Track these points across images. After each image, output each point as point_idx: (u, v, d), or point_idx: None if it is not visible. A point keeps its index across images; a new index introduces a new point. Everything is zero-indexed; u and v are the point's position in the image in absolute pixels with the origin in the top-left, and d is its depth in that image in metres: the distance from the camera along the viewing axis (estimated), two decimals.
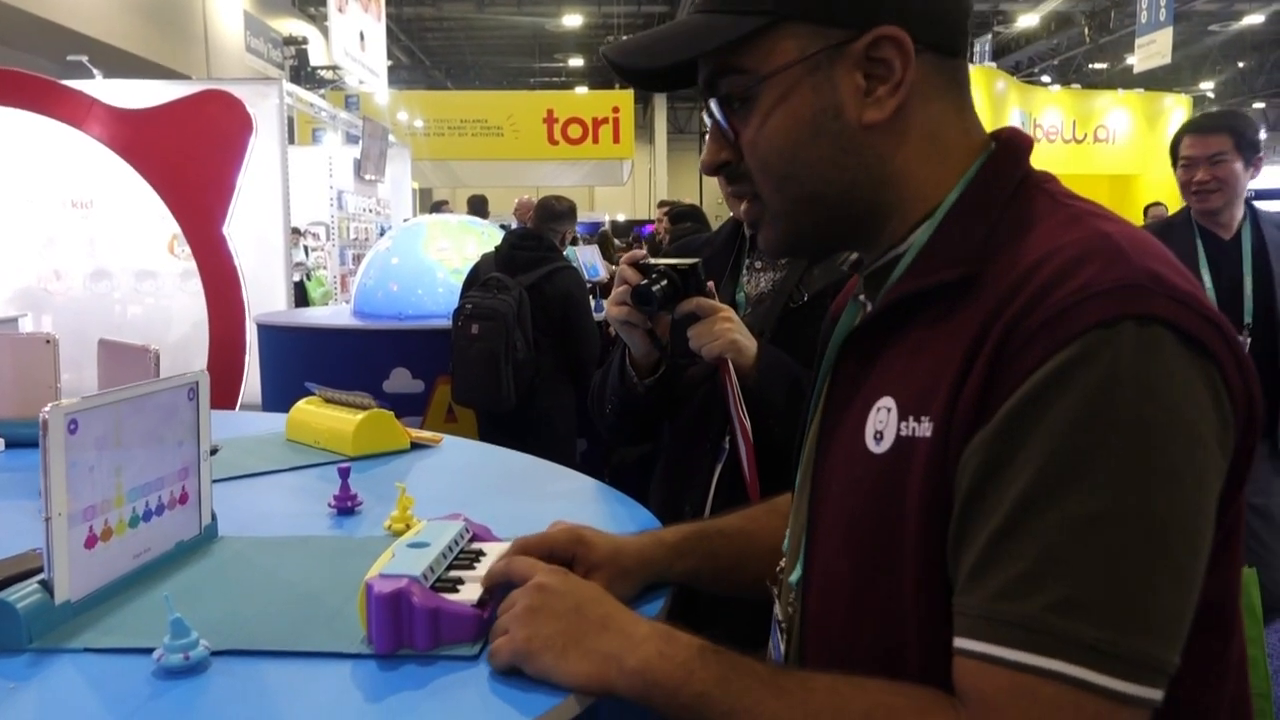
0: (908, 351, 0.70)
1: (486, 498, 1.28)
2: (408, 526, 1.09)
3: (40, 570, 0.84)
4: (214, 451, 1.12)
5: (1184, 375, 0.59)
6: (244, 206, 5.87)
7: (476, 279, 3.74)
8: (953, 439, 0.63)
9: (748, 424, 1.27)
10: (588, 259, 5.14)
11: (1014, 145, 0.74)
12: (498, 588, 0.82)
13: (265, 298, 6.17)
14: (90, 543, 0.87)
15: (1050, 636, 0.57)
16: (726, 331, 1.31)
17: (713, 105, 0.75)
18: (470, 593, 0.81)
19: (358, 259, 7.75)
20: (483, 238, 4.72)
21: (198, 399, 1.03)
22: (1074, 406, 0.59)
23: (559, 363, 3.67)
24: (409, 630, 0.76)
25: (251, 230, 6.61)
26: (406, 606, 0.76)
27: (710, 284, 1.36)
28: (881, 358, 0.72)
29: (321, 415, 1.58)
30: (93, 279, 7.17)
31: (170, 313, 6.86)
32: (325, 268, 9.44)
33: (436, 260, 4.73)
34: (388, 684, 0.73)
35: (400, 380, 4.06)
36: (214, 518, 1.08)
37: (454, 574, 0.85)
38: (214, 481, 1.32)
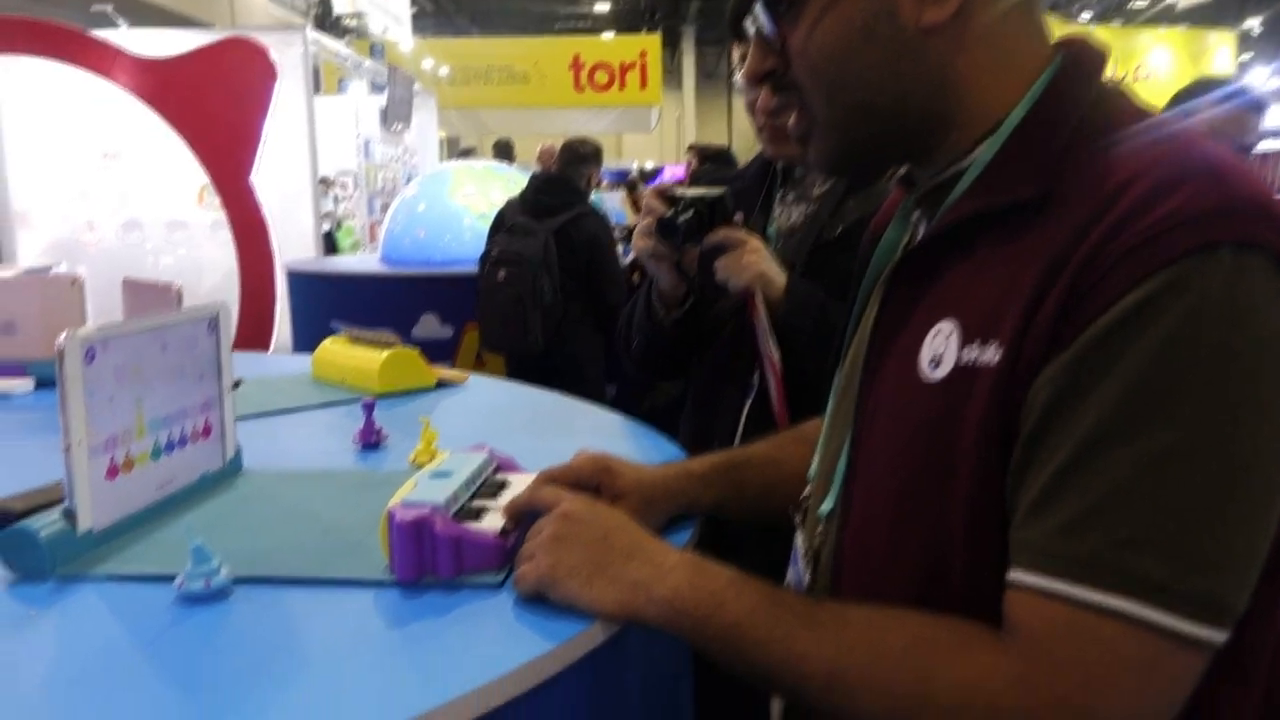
0: (972, 272, 0.65)
1: (513, 433, 1.26)
2: (432, 460, 1.08)
3: (63, 501, 0.83)
4: (236, 385, 1.11)
5: None
6: (271, 156, 5.86)
7: (502, 224, 3.72)
8: (1022, 366, 0.59)
9: (777, 357, 1.24)
10: (614, 205, 5.09)
11: (1088, 55, 0.69)
12: (522, 516, 0.81)
13: (294, 247, 6.18)
14: (112, 473, 0.86)
15: (1113, 572, 0.55)
16: (754, 263, 1.28)
17: (758, 9, 0.71)
18: (494, 521, 0.79)
19: (385, 208, 7.74)
20: (508, 182, 4.69)
21: (218, 332, 1.02)
22: (1159, 338, 0.55)
23: (586, 308, 3.65)
24: (431, 558, 0.75)
25: (279, 180, 6.61)
26: (428, 534, 0.75)
27: (739, 215, 1.32)
28: (940, 279, 0.68)
29: (347, 354, 1.57)
30: (125, 230, 7.21)
31: (201, 263, 6.90)
32: (354, 217, 9.45)
33: (463, 206, 4.70)
34: (410, 611, 0.72)
35: (429, 326, 4.06)
36: (238, 451, 1.07)
37: (477, 503, 0.83)
38: (239, 419, 1.32)
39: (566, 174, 3.84)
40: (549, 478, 0.83)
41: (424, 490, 0.80)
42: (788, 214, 1.48)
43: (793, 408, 1.28)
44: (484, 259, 3.61)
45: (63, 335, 0.80)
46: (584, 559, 0.70)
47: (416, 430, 1.12)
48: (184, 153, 5.92)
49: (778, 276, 1.29)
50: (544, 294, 3.51)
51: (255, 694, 0.60)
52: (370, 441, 1.18)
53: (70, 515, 0.82)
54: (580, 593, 0.69)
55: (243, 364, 1.85)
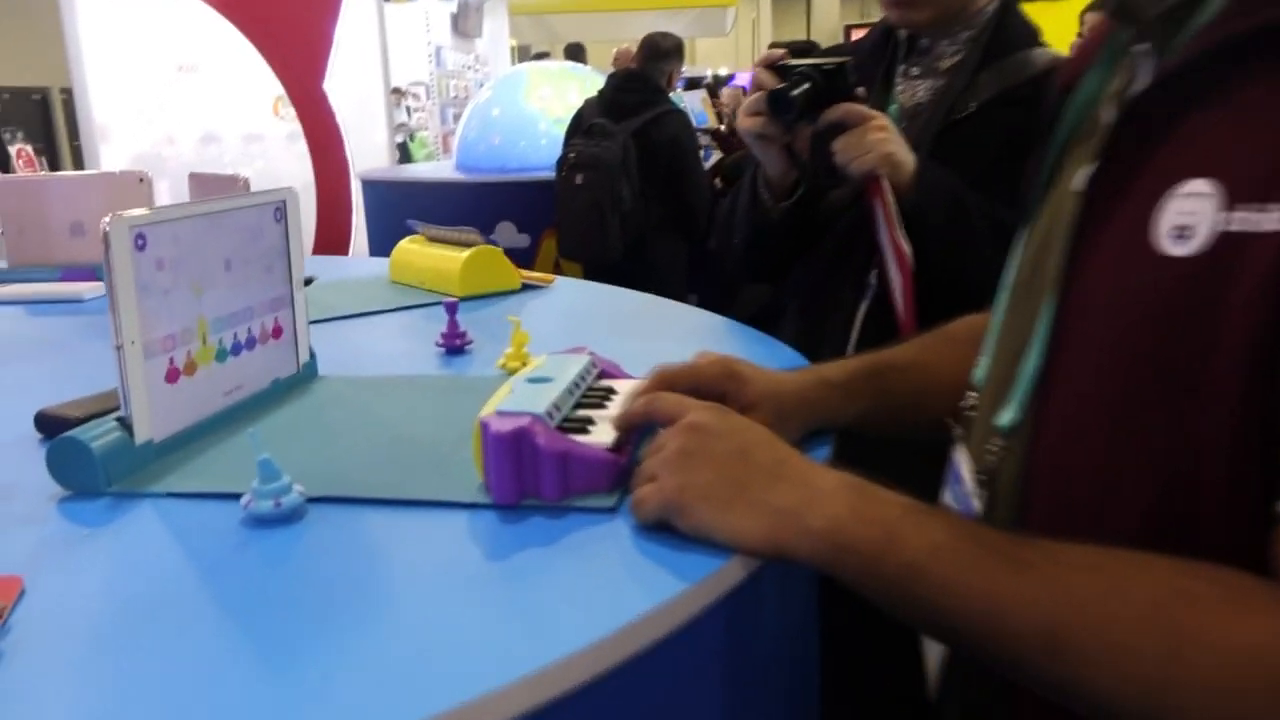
0: (1233, 119, 0.50)
1: (608, 337, 1.14)
2: (524, 365, 0.97)
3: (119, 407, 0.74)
4: (308, 283, 1.02)
5: None
6: (343, 66, 5.76)
7: (580, 126, 3.56)
8: None
9: (907, 249, 1.09)
10: (694, 105, 4.88)
11: None
12: (636, 430, 0.69)
13: (368, 159, 6.11)
14: (171, 376, 0.77)
15: None
16: (880, 143, 1.12)
17: None
18: (603, 434, 0.68)
19: (458, 118, 7.63)
20: (585, 83, 4.51)
21: (285, 220, 0.91)
22: None
23: (667, 213, 3.49)
24: (533, 477, 0.64)
25: (351, 89, 6.52)
26: (529, 449, 0.63)
27: (861, 89, 1.16)
28: (1182, 130, 0.53)
29: (426, 254, 1.47)
30: (203, 143, 7.23)
31: (278, 176, 6.88)
32: (427, 128, 9.35)
33: (538, 110, 4.54)
34: (510, 539, 0.61)
35: (506, 234, 3.95)
36: (313, 356, 0.97)
37: (582, 413, 0.71)
38: (313, 322, 1.22)
39: (647, 71, 3.64)
40: (665, 381, 0.71)
41: (521, 397, 0.69)
42: (911, 90, 1.31)
43: (919, 309, 1.14)
44: (561, 163, 3.47)
45: (107, 218, 0.69)
46: (719, 480, 0.58)
47: (503, 334, 1.01)
48: (258, 63, 5.85)
49: (907, 159, 1.13)
50: (623, 199, 3.37)
51: (330, 635, 0.50)
52: (454, 345, 1.07)
53: (126, 424, 0.72)
54: (715, 520, 0.57)
55: (316, 267, 1.76)
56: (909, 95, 1.30)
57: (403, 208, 4.14)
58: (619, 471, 0.66)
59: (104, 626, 0.52)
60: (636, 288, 1.50)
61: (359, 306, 1.34)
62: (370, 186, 4.57)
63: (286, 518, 0.64)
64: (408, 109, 9.21)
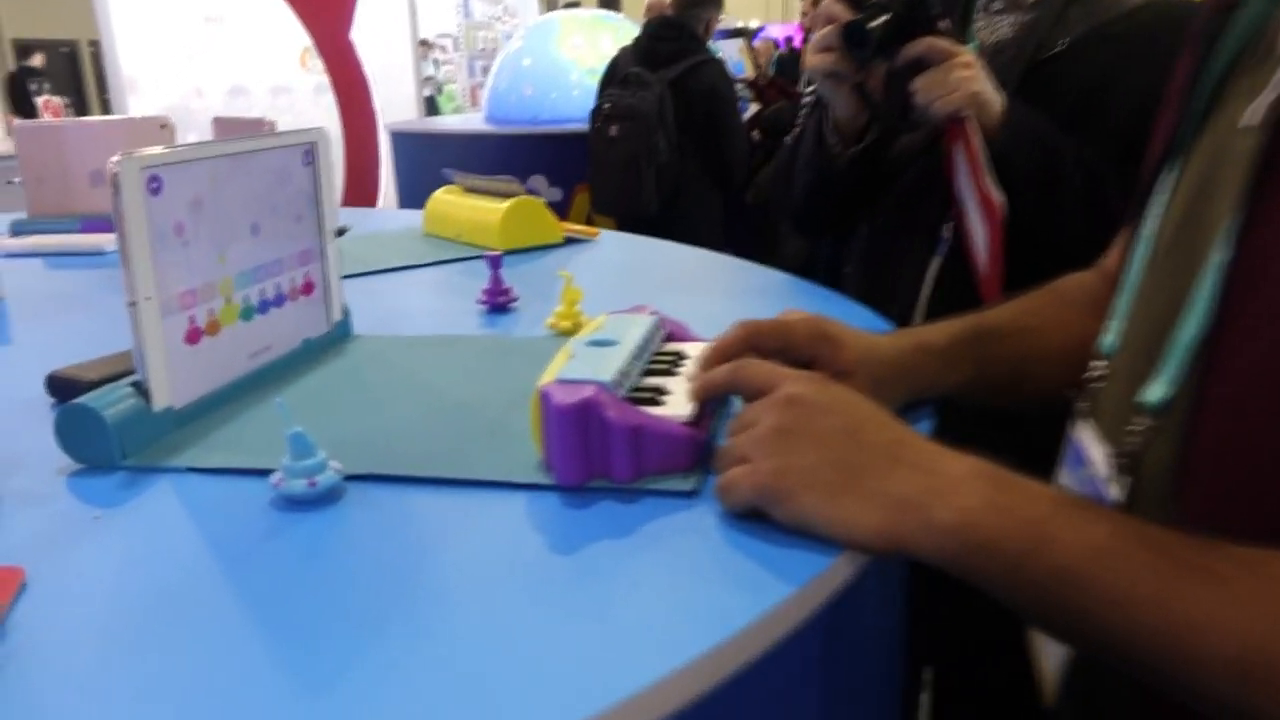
0: None
1: (664, 294, 1.06)
2: (577, 326, 0.88)
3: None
4: (341, 233, 0.94)
5: None
6: (370, 17, 5.65)
7: (614, 75, 3.44)
8: None
9: (999, 198, 0.99)
10: (731, 55, 4.72)
11: None
12: (715, 400, 0.61)
13: (396, 111, 6.02)
14: (192, 337, 0.69)
15: None
16: (967, 81, 1.01)
17: None
18: (678, 405, 0.59)
19: (486, 70, 7.50)
20: (618, 32, 4.38)
21: (315, 164, 0.82)
22: None
23: (704, 165, 3.38)
24: (602, 455, 0.56)
25: (378, 41, 6.42)
26: (597, 422, 0.55)
27: (945, 21, 1.05)
28: None
29: (463, 205, 1.38)
30: (230, 95, 7.15)
31: (306, 126, 6.80)
32: (455, 81, 9.23)
33: (570, 59, 4.41)
34: (577, 527, 0.53)
35: (537, 188, 3.86)
36: (346, 313, 0.90)
37: (652, 381, 0.63)
38: (345, 277, 1.15)
39: (683, 18, 3.50)
40: (749, 341, 0.62)
41: (583, 363, 0.60)
42: (992, 27, 1.20)
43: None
44: (594, 114, 3.36)
45: (115, 158, 0.61)
46: (825, 463, 0.49)
47: (548, 290, 0.93)
48: (285, 13, 5.76)
49: (995, 99, 1.03)
50: (659, 151, 3.26)
51: (372, 643, 0.42)
52: (498, 302, 0.99)
53: (142, 390, 0.65)
54: (822, 511, 0.48)
55: (345, 218, 1.68)
56: (990, 32, 1.19)
57: (432, 160, 4.05)
58: (699, 448, 0.58)
59: (114, 629, 0.45)
60: (672, 241, 1.42)
61: (392, 260, 1.25)
62: (399, 138, 4.48)
63: (322, 499, 0.56)
64: (435, 62, 9.08)
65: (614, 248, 1.35)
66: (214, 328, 0.71)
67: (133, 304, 0.63)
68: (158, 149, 0.65)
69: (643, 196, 3.28)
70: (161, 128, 1.51)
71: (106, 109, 8.09)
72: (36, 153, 1.51)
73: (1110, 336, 0.61)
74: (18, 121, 1.51)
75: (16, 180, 1.53)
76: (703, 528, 0.52)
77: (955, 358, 0.67)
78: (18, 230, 1.48)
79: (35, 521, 0.55)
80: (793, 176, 1.26)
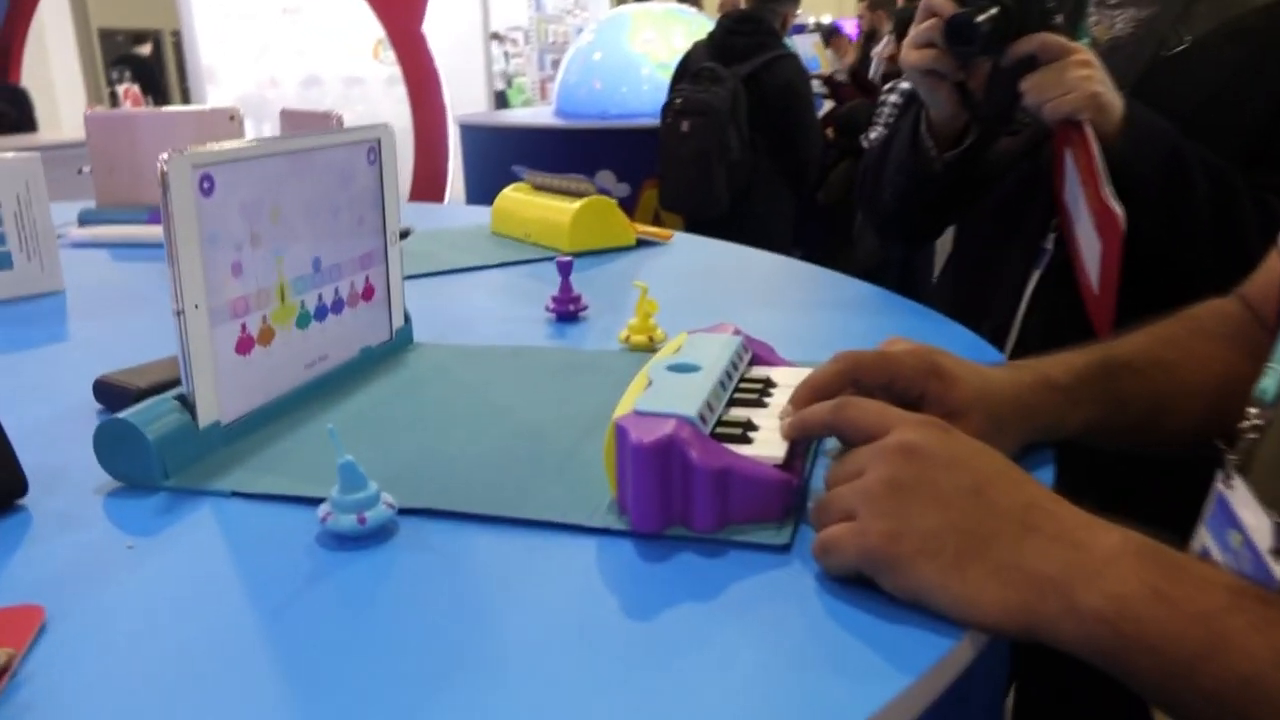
0: None
1: (745, 305, 0.99)
2: (651, 340, 0.82)
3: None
4: (405, 235, 0.89)
5: None
6: (441, 9, 5.67)
7: (687, 70, 3.37)
8: None
9: (1118, 209, 0.90)
10: (806, 50, 4.62)
11: None
12: (807, 440, 0.54)
13: (466, 104, 6.04)
14: (244, 346, 0.64)
15: None
16: (1084, 81, 0.93)
17: None
18: (769, 444, 0.53)
19: (557, 64, 7.50)
20: (691, 27, 4.31)
21: (380, 163, 0.78)
22: None
23: (776, 163, 3.30)
24: (683, 501, 0.50)
25: (450, 33, 6.44)
26: (680, 463, 0.49)
27: (1059, 16, 0.97)
28: None
29: (532, 204, 1.33)
30: (304, 85, 7.25)
31: (377, 119, 6.86)
32: (525, 74, 9.24)
33: (642, 53, 4.36)
34: (653, 585, 0.47)
35: (605, 183, 3.82)
36: (408, 320, 0.85)
37: (739, 413, 0.57)
38: (409, 278, 1.10)
39: (760, 12, 3.42)
40: (850, 373, 0.55)
41: (664, 391, 0.54)
42: (1108, 21, 1.10)
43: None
44: (666, 110, 3.29)
45: (164, 155, 0.57)
46: (947, 527, 0.42)
47: (620, 298, 0.87)
48: (359, 4, 5.82)
49: (1115, 102, 0.94)
50: (730, 148, 3.19)
51: (415, 714, 0.37)
52: (566, 310, 0.93)
53: (188, 404, 0.60)
54: (942, 585, 0.41)
55: (411, 215, 1.64)
56: (1105, 28, 1.10)
57: (500, 154, 4.04)
58: (793, 495, 0.51)
59: (136, 684, 0.40)
60: (741, 241, 1.35)
61: (458, 261, 1.21)
62: (468, 131, 4.47)
63: (371, 537, 0.51)
64: (505, 54, 9.10)
65: (687, 251, 1.28)
66: (267, 336, 0.67)
67: (179, 312, 0.58)
68: (213, 147, 0.60)
69: (713, 194, 3.20)
70: (230, 119, 1.48)
71: (186, 98, 8.26)
72: (106, 142, 1.50)
73: (1271, 382, 0.53)
74: (87, 111, 1.49)
75: (87, 170, 1.51)
76: (798, 592, 0.45)
77: (1082, 395, 0.59)
78: (85, 220, 1.46)
79: (66, 549, 0.51)
80: (881, 179, 1.19)
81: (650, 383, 0.56)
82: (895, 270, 3.49)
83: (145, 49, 11.36)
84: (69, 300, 1.09)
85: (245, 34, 7.17)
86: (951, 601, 0.41)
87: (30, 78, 7.32)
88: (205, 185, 0.59)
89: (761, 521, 0.50)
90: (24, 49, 7.13)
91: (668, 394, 0.54)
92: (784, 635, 0.42)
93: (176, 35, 8.68)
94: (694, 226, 3.38)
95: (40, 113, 6.27)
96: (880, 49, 4.51)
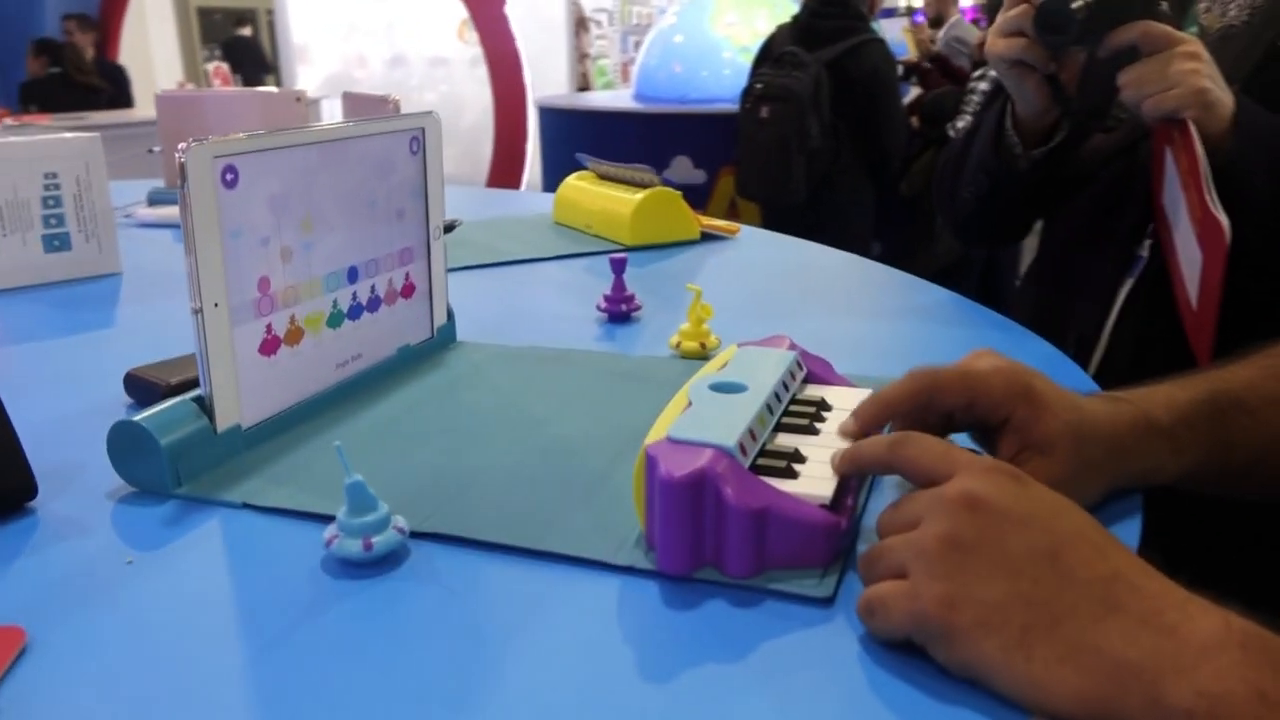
0: None
1: (809, 310, 0.93)
2: (703, 347, 0.78)
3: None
4: (450, 228, 0.86)
5: None
6: None
7: (769, 54, 3.29)
8: None
9: (1223, 218, 0.82)
10: (894, 35, 4.48)
11: None
12: (861, 478, 0.49)
13: (549, 86, 6.03)
14: (268, 347, 0.61)
15: None
16: (1189, 75, 0.84)
17: None
18: (818, 480, 0.47)
19: (639, 46, 7.47)
20: (774, 10, 4.22)
21: (424, 152, 0.74)
22: None
23: (858, 152, 3.20)
24: (715, 542, 0.45)
25: (534, 14, 6.43)
26: (714, 500, 0.44)
27: (1164, 3, 0.89)
28: None
29: (594, 194, 1.28)
30: (390, 66, 7.34)
31: (462, 100, 6.92)
32: (608, 56, 9.21)
33: (724, 37, 4.28)
34: (676, 637, 0.42)
35: (681, 169, 3.76)
36: (451, 317, 0.81)
37: (786, 441, 0.52)
38: (457, 269, 1.07)
39: None
40: (923, 392, 0.49)
41: (704, 415, 0.49)
42: (1221, 9, 1.01)
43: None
44: (745, 95, 3.21)
45: (183, 144, 0.54)
46: (1014, 597, 0.37)
47: (677, 298, 0.82)
48: None
49: (1224, 99, 0.85)
50: (811, 135, 3.10)
51: None
52: (618, 310, 0.89)
53: (206, 407, 0.58)
54: (1007, 665, 0.36)
55: (478, 200, 1.62)
56: (1216, 15, 1.00)
57: (577, 138, 4.01)
58: (839, 539, 0.46)
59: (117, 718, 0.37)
60: (818, 232, 1.29)
61: (514, 252, 1.17)
62: (546, 114, 4.44)
63: (378, 564, 0.47)
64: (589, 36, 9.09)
65: (754, 247, 1.23)
66: (295, 336, 0.64)
67: (197, 311, 0.55)
68: (237, 136, 0.57)
69: (791, 183, 3.12)
70: (297, 100, 1.47)
71: (277, 77, 8.42)
72: (175, 122, 1.50)
73: None
74: (158, 91, 1.50)
75: (157, 149, 1.52)
76: (838, 656, 0.40)
77: (1186, 440, 0.52)
78: (154, 200, 1.47)
79: (63, 559, 0.49)
80: (960, 176, 1.11)
81: (690, 404, 0.51)
82: (978, 269, 3.37)
83: (246, 30, 11.63)
84: (124, 283, 1.08)
85: (335, 14, 7.27)
86: (1014, 684, 0.36)
87: (130, 55, 7.55)
88: (228, 177, 0.56)
89: (802, 568, 0.45)
90: (122, 27, 7.34)
91: (707, 418, 0.49)
92: (817, 708, 0.37)
93: (271, 15, 8.86)
94: (771, 216, 3.31)
95: (138, 90, 6.45)
96: (944, 32, 4.36)
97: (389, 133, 0.70)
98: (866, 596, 0.40)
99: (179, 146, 0.53)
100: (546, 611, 0.44)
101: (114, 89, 5.42)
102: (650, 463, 0.46)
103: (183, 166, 0.53)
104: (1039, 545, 0.38)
